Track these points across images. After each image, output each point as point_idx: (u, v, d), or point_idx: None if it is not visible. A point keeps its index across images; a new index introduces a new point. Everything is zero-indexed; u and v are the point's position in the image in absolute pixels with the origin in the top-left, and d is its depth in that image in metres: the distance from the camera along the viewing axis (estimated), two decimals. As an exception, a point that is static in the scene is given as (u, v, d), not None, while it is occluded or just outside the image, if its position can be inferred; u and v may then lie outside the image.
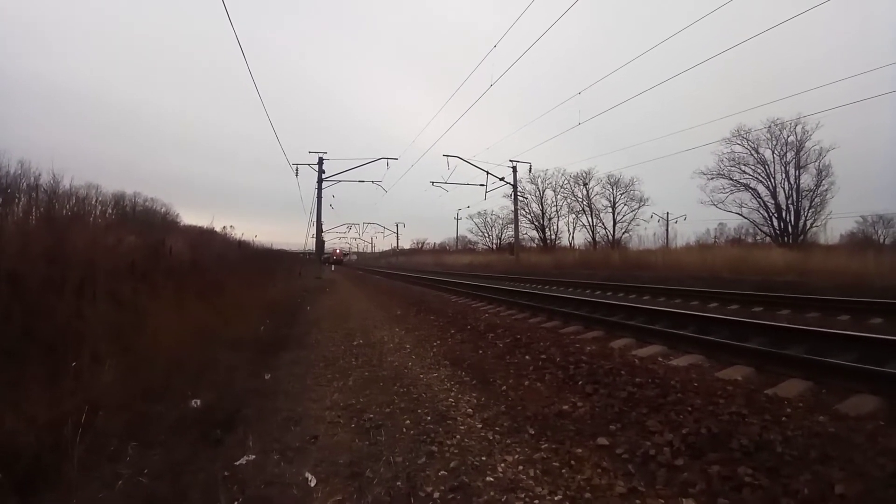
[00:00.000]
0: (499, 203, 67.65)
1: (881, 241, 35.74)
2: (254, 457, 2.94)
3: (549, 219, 53.28)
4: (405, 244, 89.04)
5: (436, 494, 2.48)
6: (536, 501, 2.39)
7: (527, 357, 5.21)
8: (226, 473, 2.69)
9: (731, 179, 37.40)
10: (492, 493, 2.47)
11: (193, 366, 4.56)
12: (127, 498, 2.41)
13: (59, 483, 2.49)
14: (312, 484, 2.62)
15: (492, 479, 2.63)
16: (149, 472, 2.68)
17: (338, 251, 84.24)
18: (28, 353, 3.41)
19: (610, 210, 49.69)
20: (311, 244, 36.78)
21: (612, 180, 48.57)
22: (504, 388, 4.32)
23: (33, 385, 3.04)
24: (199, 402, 3.84)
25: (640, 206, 48.54)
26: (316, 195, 30.47)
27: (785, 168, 35.30)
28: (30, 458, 2.51)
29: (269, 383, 4.67)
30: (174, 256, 8.12)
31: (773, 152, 35.48)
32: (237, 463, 2.85)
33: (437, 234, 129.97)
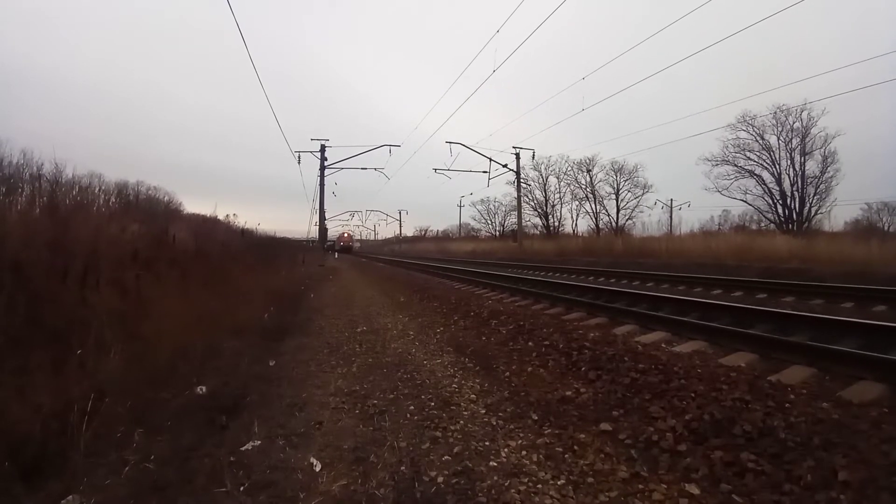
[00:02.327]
0: (502, 190, 67.76)
1: (886, 228, 35.63)
2: (259, 442, 2.96)
3: (553, 206, 53.03)
4: (408, 231, 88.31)
5: (440, 479, 2.50)
6: (539, 486, 2.41)
7: (530, 343, 5.22)
8: (231, 459, 2.71)
9: (736, 166, 37.14)
10: (495, 478, 2.49)
11: (198, 353, 4.59)
12: (133, 484, 2.44)
13: (65, 469, 2.51)
14: (317, 469, 2.64)
15: (495, 464, 2.65)
16: (155, 458, 2.71)
17: (346, 234, 76.75)
18: (33, 341, 3.43)
19: (613, 197, 49.41)
20: (314, 232, 36.83)
21: (615, 167, 48.25)
22: (507, 374, 4.34)
23: (39, 373, 3.06)
24: (204, 388, 3.86)
25: (643, 193, 48.24)
26: (318, 183, 30.47)
27: (790, 154, 34.98)
28: (36, 445, 2.53)
29: (273, 370, 4.70)
30: (178, 245, 8.13)
31: (779, 139, 35.16)
32: (243, 448, 2.87)
33: (440, 221, 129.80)
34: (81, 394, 2.90)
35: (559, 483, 2.45)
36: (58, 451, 2.59)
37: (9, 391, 2.81)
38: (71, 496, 2.30)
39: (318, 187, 30.58)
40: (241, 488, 2.41)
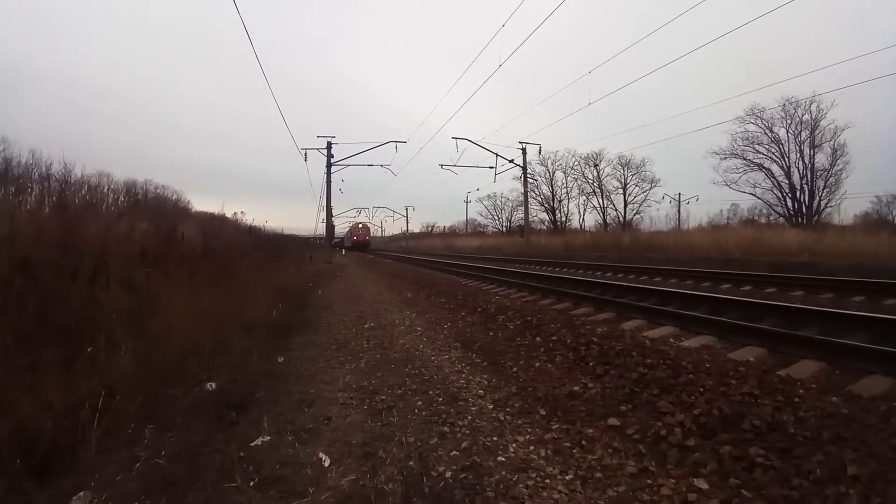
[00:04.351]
0: (508, 185, 67.31)
1: (896, 221, 35.22)
2: (268, 438, 2.98)
3: (560, 201, 52.82)
4: (415, 228, 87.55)
5: (448, 474, 2.50)
6: (548, 481, 2.41)
7: (537, 339, 5.21)
8: (241, 454, 2.73)
9: (745, 159, 36.81)
10: (503, 473, 2.49)
11: (208, 349, 4.62)
12: (144, 480, 2.46)
13: (76, 466, 2.54)
14: (326, 464, 2.65)
15: (503, 459, 2.65)
16: (166, 454, 2.73)
17: (359, 226, 62.65)
18: (44, 340, 3.46)
19: (621, 191, 49.12)
20: (321, 229, 36.84)
21: (622, 161, 47.89)
22: (515, 369, 4.34)
23: (49, 371, 3.09)
24: (213, 384, 3.89)
25: (651, 187, 47.90)
26: (325, 180, 30.49)
27: (799, 147, 34.68)
28: (47, 442, 2.56)
29: (282, 366, 4.73)
30: (186, 243, 8.16)
31: (788, 131, 34.82)
32: (252, 444, 2.89)
33: (447, 217, 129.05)
34: (92, 391, 2.93)
35: (567, 478, 2.45)
36: (68, 448, 2.62)
37: (20, 389, 2.84)
38: (82, 493, 2.32)
39: (325, 184, 30.60)
40: (251, 483, 2.42)
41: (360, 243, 57.96)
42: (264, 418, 3.26)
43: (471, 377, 4.19)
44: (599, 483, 2.39)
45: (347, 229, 65.49)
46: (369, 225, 67.13)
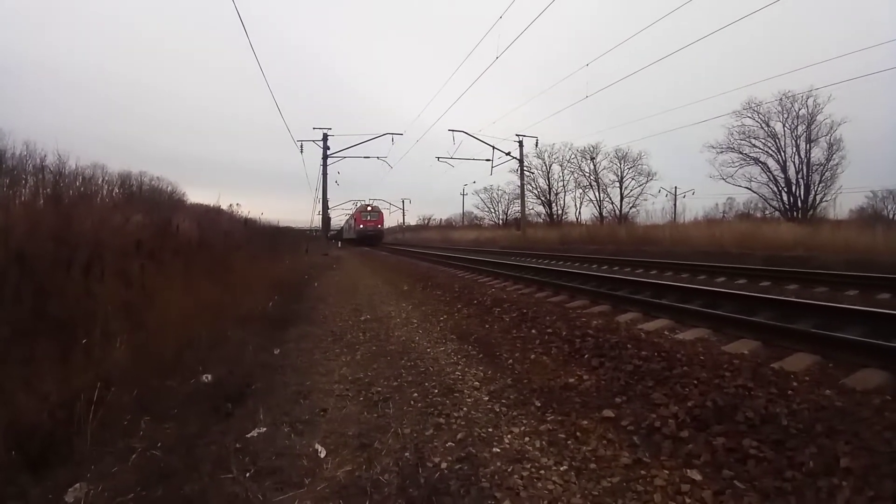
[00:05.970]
0: (505, 178, 67.33)
1: (891, 216, 35.41)
2: (264, 429, 2.99)
3: (556, 194, 52.84)
4: (411, 220, 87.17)
5: (443, 465, 2.52)
6: (542, 472, 2.43)
7: (533, 331, 5.22)
8: (237, 445, 2.74)
9: (741, 153, 36.92)
10: (498, 464, 2.51)
11: (203, 342, 4.62)
12: (140, 471, 2.46)
13: (72, 458, 2.54)
14: (322, 455, 2.66)
15: (498, 450, 2.67)
16: (162, 446, 2.73)
17: (369, 208, 48.62)
18: (39, 332, 3.44)
19: (617, 185, 49.20)
20: (317, 221, 36.59)
21: (619, 154, 47.96)
22: (510, 361, 4.35)
23: (45, 363, 3.08)
24: (209, 376, 3.89)
25: (647, 181, 48.02)
26: (321, 171, 30.34)
27: (795, 142, 34.75)
28: (43, 434, 2.55)
29: (278, 358, 4.73)
30: (181, 234, 8.12)
31: (784, 126, 34.88)
32: (248, 435, 2.90)
33: (443, 209, 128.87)
34: (88, 383, 2.92)
35: (562, 469, 2.46)
36: (65, 440, 2.62)
37: (16, 382, 2.83)
38: (78, 484, 2.33)
39: (321, 176, 30.44)
40: (247, 474, 2.43)
41: (370, 234, 44.29)
42: (260, 410, 3.27)
43: (466, 369, 4.20)
44: (594, 474, 2.41)
45: (351, 215, 54.13)
46: (381, 209, 52.16)
